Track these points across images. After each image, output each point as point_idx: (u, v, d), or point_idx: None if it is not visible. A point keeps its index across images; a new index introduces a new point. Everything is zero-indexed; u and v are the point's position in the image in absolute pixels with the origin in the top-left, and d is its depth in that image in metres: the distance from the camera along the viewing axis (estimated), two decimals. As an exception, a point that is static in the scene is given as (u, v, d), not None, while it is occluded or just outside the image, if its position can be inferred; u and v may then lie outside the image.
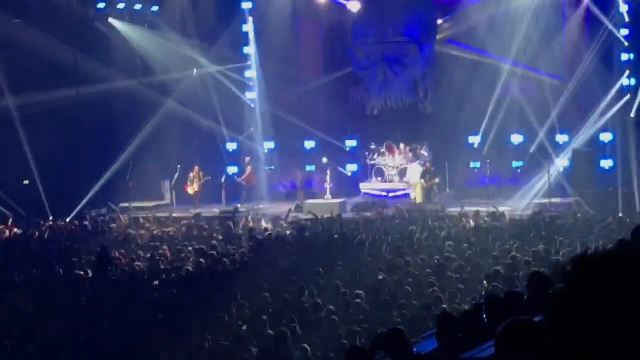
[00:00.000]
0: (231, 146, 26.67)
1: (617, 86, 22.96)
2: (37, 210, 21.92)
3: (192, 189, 24.58)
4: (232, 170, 26.15)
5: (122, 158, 23.95)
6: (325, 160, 25.35)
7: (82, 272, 14.59)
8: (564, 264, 1.43)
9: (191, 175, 24.60)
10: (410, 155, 25.04)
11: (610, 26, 22.75)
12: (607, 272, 1.35)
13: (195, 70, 25.65)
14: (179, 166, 24.66)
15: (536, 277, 7.09)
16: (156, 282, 13.40)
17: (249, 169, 24.91)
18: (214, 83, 25.88)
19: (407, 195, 24.10)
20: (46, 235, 19.20)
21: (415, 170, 24.44)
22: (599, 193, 21.15)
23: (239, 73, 26.64)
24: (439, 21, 25.41)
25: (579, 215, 19.06)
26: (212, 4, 25.41)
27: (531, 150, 23.71)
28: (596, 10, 22.98)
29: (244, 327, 10.67)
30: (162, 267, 14.93)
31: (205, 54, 25.50)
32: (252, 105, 26.69)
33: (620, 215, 18.54)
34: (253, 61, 26.27)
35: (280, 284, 12.70)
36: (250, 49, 26.63)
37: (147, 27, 25.86)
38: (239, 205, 23.45)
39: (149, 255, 15.97)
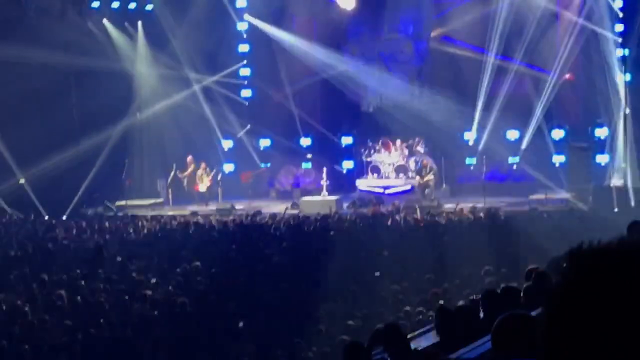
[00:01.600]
0: (227, 144, 26.60)
1: (616, 82, 22.94)
2: (32, 210, 21.82)
3: (203, 186, 24.44)
4: (228, 167, 26.13)
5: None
6: (309, 156, 25.36)
7: (79, 271, 14.57)
8: (560, 259, 1.44)
9: (198, 172, 24.45)
10: (407, 151, 25.03)
11: (600, 27, 22.72)
12: (603, 265, 1.35)
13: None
14: (174, 164, 24.59)
15: (533, 272, 7.12)
16: (153, 280, 13.40)
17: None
18: (208, 88, 25.88)
19: (403, 192, 24.06)
20: (41, 234, 19.14)
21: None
22: (595, 188, 21.16)
23: (234, 73, 26.55)
24: (434, 18, 25.38)
25: (575, 210, 19.09)
26: (204, 5, 25.17)
27: (523, 147, 23.71)
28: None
29: (241, 324, 10.68)
30: (157, 264, 14.94)
31: (199, 59, 25.38)
32: (247, 103, 26.65)
33: (616, 210, 18.57)
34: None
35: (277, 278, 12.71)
36: (245, 47, 26.60)
37: (141, 26, 25.74)
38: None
39: (145, 253, 15.95)
